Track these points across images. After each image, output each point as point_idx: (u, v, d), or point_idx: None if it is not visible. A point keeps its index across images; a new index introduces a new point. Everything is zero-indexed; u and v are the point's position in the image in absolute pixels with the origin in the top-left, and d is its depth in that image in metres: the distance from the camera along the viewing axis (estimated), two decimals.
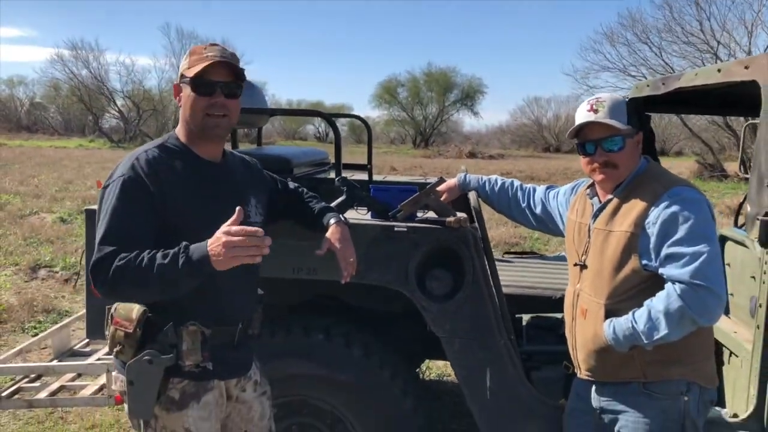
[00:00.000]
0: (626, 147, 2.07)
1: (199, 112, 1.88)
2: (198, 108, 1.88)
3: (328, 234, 2.14)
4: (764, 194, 2.17)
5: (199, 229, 1.83)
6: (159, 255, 1.70)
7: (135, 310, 1.85)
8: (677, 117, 23.67)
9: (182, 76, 1.91)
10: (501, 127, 54.25)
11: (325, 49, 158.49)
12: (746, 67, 2.29)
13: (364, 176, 3.51)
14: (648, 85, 3.02)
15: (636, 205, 2.01)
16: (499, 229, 9.82)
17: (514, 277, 3.48)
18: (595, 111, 2.06)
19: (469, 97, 48.36)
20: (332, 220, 2.17)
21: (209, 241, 1.68)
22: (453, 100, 48.54)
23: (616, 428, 2.12)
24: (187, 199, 1.87)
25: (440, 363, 4.69)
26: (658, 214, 1.95)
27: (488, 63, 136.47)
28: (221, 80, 1.88)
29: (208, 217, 1.86)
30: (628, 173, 2.10)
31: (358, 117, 4.34)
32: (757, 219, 2.18)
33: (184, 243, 1.71)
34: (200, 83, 1.86)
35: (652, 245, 1.96)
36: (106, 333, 1.94)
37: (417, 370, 4.31)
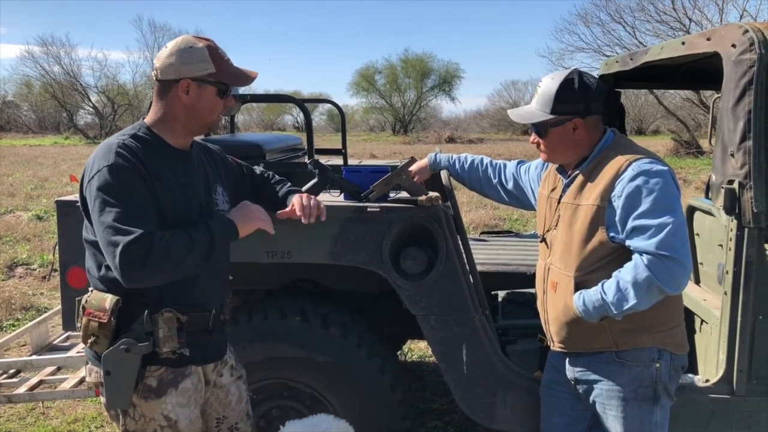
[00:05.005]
0: (548, 135, 2.12)
1: (217, 114, 1.99)
2: (218, 110, 1.98)
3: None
4: (728, 163, 2.20)
5: (176, 214, 1.86)
6: (191, 231, 1.82)
7: (108, 299, 1.85)
8: (653, 96, 23.81)
9: (208, 75, 1.90)
10: (479, 112, 54.12)
11: (301, 39, 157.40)
12: (708, 39, 2.31)
13: (339, 161, 3.53)
14: (617, 61, 3.03)
15: (602, 179, 2.03)
16: (478, 211, 9.87)
17: (490, 254, 3.51)
18: (533, 96, 2.15)
19: (447, 83, 48.26)
20: (295, 195, 2.19)
21: (233, 212, 1.99)
22: (431, 86, 48.40)
23: (591, 397, 2.16)
24: (166, 186, 1.86)
25: (422, 344, 4.73)
26: (623, 187, 1.96)
27: (465, 48, 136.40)
28: None
29: (185, 203, 1.90)
30: (554, 158, 2.19)
31: (330, 101, 4.35)
32: (722, 187, 2.21)
33: (204, 221, 1.89)
34: (226, 89, 1.97)
35: (618, 218, 1.97)
36: (78, 325, 1.94)
37: (398, 351, 4.35)
